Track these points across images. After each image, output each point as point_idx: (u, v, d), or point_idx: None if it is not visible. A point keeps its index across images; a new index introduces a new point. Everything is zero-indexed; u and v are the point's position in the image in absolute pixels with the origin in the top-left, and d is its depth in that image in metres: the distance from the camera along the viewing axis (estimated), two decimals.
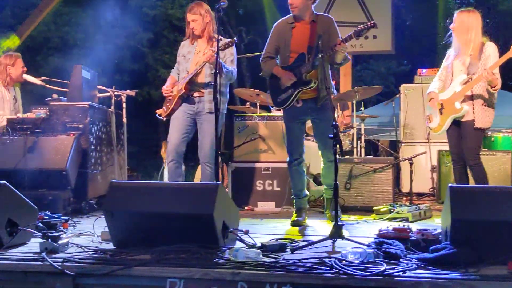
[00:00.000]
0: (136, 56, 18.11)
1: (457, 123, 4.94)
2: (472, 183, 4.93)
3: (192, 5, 5.25)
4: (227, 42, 4.96)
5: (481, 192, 3.28)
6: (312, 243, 3.58)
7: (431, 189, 7.28)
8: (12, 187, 3.70)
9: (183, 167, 5.40)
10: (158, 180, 8.69)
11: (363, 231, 4.36)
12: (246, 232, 3.69)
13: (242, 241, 3.54)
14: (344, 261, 2.97)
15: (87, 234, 3.98)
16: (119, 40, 16.76)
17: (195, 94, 5.23)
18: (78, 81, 5.84)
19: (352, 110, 7.25)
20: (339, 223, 3.66)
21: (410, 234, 3.45)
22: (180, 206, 3.40)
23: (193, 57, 5.27)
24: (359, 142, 7.39)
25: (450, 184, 3.30)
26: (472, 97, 4.82)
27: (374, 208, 5.37)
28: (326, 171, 4.98)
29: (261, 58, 4.97)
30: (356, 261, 2.98)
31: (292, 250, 3.41)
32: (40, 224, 3.92)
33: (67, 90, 5.96)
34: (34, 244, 3.56)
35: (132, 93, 6.56)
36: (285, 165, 5.12)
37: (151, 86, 18.34)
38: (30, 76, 6.26)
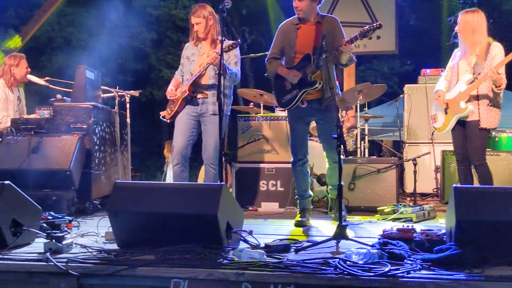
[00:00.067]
0: (139, 56, 18.13)
1: (462, 124, 4.93)
2: (476, 184, 4.92)
3: (196, 7, 5.24)
4: (230, 44, 4.96)
5: (486, 193, 3.27)
6: (316, 243, 3.58)
7: (435, 190, 7.26)
8: (16, 188, 3.71)
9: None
10: (161, 181, 8.69)
11: (367, 232, 4.35)
12: (250, 233, 3.69)
13: (246, 241, 3.54)
14: (348, 262, 2.97)
15: (91, 235, 4.00)
16: (123, 40, 16.77)
17: (199, 96, 5.22)
18: (82, 82, 5.85)
19: (356, 111, 7.23)
20: (343, 223, 3.66)
21: (414, 234, 3.44)
22: (184, 207, 3.40)
23: (197, 59, 5.26)
24: (362, 142, 7.39)
25: (454, 185, 3.29)
26: (477, 97, 4.81)
27: (378, 208, 5.36)
28: (331, 171, 4.98)
29: (266, 59, 4.98)
30: (361, 262, 2.98)
31: (296, 251, 3.41)
32: (44, 225, 3.93)
33: (71, 90, 5.97)
34: (38, 244, 3.57)
35: (135, 93, 6.57)
36: (289, 165, 5.12)
37: (154, 87, 18.36)
38: (34, 77, 6.28)
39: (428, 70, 7.95)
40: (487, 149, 5.19)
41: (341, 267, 2.85)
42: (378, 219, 5.10)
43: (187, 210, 3.39)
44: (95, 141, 5.71)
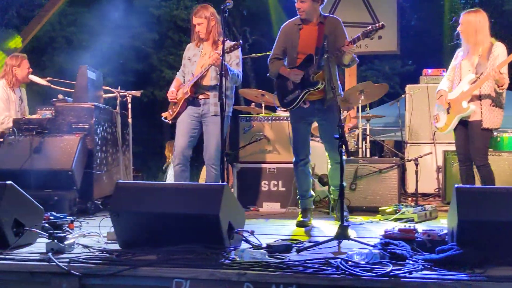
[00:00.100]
0: (140, 57, 18.15)
1: (464, 124, 4.93)
2: (478, 184, 4.92)
3: (198, 8, 5.25)
4: (232, 45, 4.96)
5: (488, 193, 3.26)
6: (318, 243, 3.57)
7: (437, 190, 7.26)
8: (18, 188, 3.71)
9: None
10: (163, 181, 8.69)
11: (368, 232, 4.35)
12: (252, 233, 3.69)
13: (247, 241, 3.54)
14: (350, 262, 2.97)
15: (93, 235, 4.00)
16: (124, 41, 16.78)
17: (201, 97, 5.22)
18: (83, 82, 5.85)
19: (358, 111, 7.23)
20: (345, 223, 3.66)
21: (416, 235, 3.44)
22: (186, 207, 3.40)
23: (198, 60, 5.26)
24: (364, 142, 7.38)
25: (456, 185, 3.29)
26: (480, 97, 4.81)
27: (379, 208, 5.36)
28: (333, 172, 4.98)
29: (268, 59, 4.99)
30: (362, 262, 2.98)
31: (298, 251, 3.41)
32: (46, 225, 3.92)
33: (73, 90, 5.98)
34: (40, 244, 3.57)
35: (137, 93, 6.57)
36: (290, 165, 5.12)
37: (155, 87, 18.38)
38: (35, 77, 6.29)
39: (429, 70, 7.95)
40: (489, 149, 5.19)
41: (343, 267, 2.85)
42: (379, 219, 5.10)
43: (189, 210, 3.39)
44: (97, 141, 5.71)
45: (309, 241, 3.76)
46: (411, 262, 3.00)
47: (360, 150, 7.25)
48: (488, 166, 4.80)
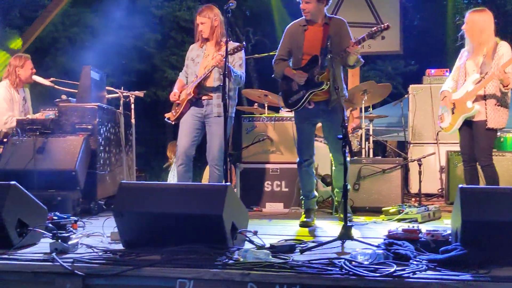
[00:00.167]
0: (143, 57, 18.16)
1: (469, 124, 4.92)
2: (482, 184, 4.91)
3: (202, 8, 5.25)
4: (235, 47, 4.96)
5: (492, 193, 3.26)
6: (321, 244, 3.57)
7: (440, 190, 7.25)
8: (22, 188, 3.72)
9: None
10: (165, 181, 8.69)
11: (372, 232, 4.34)
12: (255, 233, 3.68)
13: (251, 242, 3.54)
14: (353, 262, 2.96)
15: (96, 235, 4.00)
16: (127, 41, 16.80)
17: (204, 97, 5.22)
18: (87, 82, 5.86)
19: (361, 111, 7.22)
20: (348, 224, 3.66)
21: (420, 235, 3.43)
22: (190, 207, 3.40)
23: (201, 60, 5.26)
24: (367, 142, 7.38)
25: (460, 185, 3.28)
26: (485, 97, 4.80)
27: (383, 209, 5.35)
28: (337, 174, 4.98)
29: (273, 61, 4.99)
30: (366, 262, 2.97)
31: (301, 251, 3.41)
32: (50, 225, 3.93)
33: (76, 91, 5.99)
34: (44, 244, 3.57)
35: (140, 94, 6.58)
36: (293, 166, 5.12)
37: (158, 87, 18.38)
38: (39, 77, 6.30)
39: (432, 71, 7.94)
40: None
41: (347, 268, 2.84)
42: (383, 220, 5.10)
43: (192, 210, 3.39)
44: (100, 142, 5.72)
45: (313, 242, 3.76)
46: (415, 262, 3.00)
47: (363, 151, 7.24)
48: (493, 166, 4.79)
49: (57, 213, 4.28)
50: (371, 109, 7.71)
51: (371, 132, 7.42)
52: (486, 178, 4.83)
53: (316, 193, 5.10)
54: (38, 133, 5.50)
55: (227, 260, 3.08)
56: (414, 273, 2.80)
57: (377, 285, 2.74)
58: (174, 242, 3.30)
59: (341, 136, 3.82)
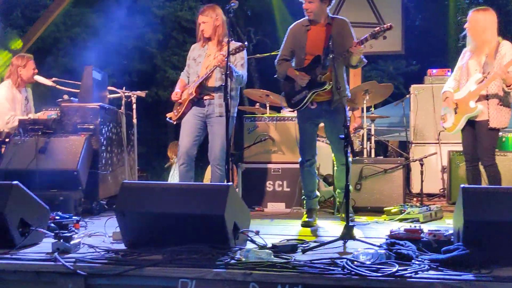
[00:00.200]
0: (144, 57, 18.17)
1: (471, 124, 4.91)
2: (484, 184, 4.90)
3: (205, 7, 5.25)
4: (237, 47, 4.97)
5: (494, 193, 3.25)
6: (323, 244, 3.57)
7: (442, 190, 7.24)
8: (24, 188, 3.73)
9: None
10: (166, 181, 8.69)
11: (374, 232, 4.34)
12: (257, 233, 3.69)
13: (253, 241, 3.54)
14: (356, 262, 2.96)
15: (98, 235, 4.00)
16: (128, 41, 16.81)
17: (206, 97, 5.22)
18: (89, 82, 5.87)
19: (362, 111, 7.22)
20: (350, 223, 3.66)
21: (422, 235, 3.43)
22: (192, 207, 3.41)
23: (203, 60, 5.26)
24: (368, 142, 7.37)
25: (462, 185, 3.28)
26: (487, 97, 4.79)
27: (384, 209, 5.35)
28: (339, 174, 4.98)
29: (276, 61, 4.99)
30: (368, 262, 2.97)
31: (303, 251, 3.41)
32: (52, 225, 3.94)
33: (78, 91, 5.99)
34: (46, 244, 3.58)
35: (142, 94, 6.58)
36: (295, 166, 5.11)
37: (159, 87, 18.40)
38: (41, 77, 6.30)
39: (434, 70, 7.94)
40: None
41: (349, 268, 2.84)
42: (385, 220, 5.10)
43: (194, 210, 3.40)
44: (102, 142, 5.72)
45: (315, 241, 3.76)
46: (417, 262, 3.00)
47: (365, 151, 7.24)
48: (496, 166, 4.78)
49: (59, 213, 4.29)
50: (372, 109, 7.71)
51: (372, 132, 7.42)
52: (488, 178, 4.82)
53: (318, 193, 5.10)
54: (40, 133, 5.51)
55: (229, 260, 3.08)
56: (416, 273, 2.81)
57: (380, 285, 2.74)
58: (176, 242, 3.30)
59: (343, 136, 3.82)
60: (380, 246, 3.32)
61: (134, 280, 3.03)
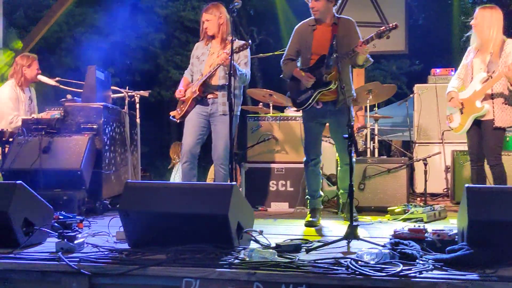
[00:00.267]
0: (147, 57, 18.19)
1: (477, 123, 4.90)
2: (489, 184, 4.89)
3: (209, 5, 5.26)
4: (241, 45, 4.97)
5: (499, 193, 3.24)
6: (327, 243, 3.57)
7: (445, 190, 7.23)
8: (28, 187, 3.73)
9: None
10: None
11: (377, 232, 4.34)
12: (260, 233, 3.69)
13: (257, 241, 3.54)
14: (360, 262, 2.95)
15: (102, 234, 4.00)
16: (131, 41, 16.83)
17: (209, 96, 5.23)
18: (92, 82, 5.87)
19: (366, 111, 7.22)
20: (354, 223, 3.65)
21: (426, 234, 3.42)
22: (195, 207, 3.40)
23: (207, 58, 5.26)
24: (372, 142, 7.37)
25: (466, 185, 3.27)
26: (492, 96, 4.78)
27: (388, 208, 5.35)
28: (343, 174, 4.97)
29: (281, 60, 5.00)
30: (372, 262, 2.96)
31: (307, 251, 3.40)
32: (56, 224, 3.94)
33: (81, 90, 5.99)
34: (50, 244, 3.58)
35: (145, 93, 6.58)
36: (299, 165, 5.11)
37: (162, 87, 18.42)
38: (44, 77, 6.31)
39: (438, 70, 7.93)
40: None
41: (353, 267, 2.84)
42: (388, 219, 5.09)
43: (198, 210, 3.39)
44: (105, 141, 5.72)
45: (318, 241, 3.75)
46: (421, 262, 2.98)
47: (368, 150, 7.24)
48: (502, 166, 4.77)
49: (63, 213, 4.29)
50: (376, 109, 7.70)
51: (376, 132, 7.41)
52: (494, 177, 4.81)
53: (321, 193, 5.09)
54: (43, 133, 5.51)
55: (233, 259, 3.08)
56: (420, 272, 2.79)
57: (384, 285, 2.73)
58: (179, 242, 3.30)
59: (346, 135, 3.82)
60: (384, 246, 3.31)
61: (138, 279, 3.03)
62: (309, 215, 4.92)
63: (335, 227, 4.74)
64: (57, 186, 5.20)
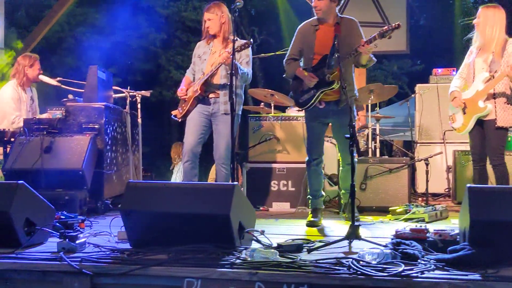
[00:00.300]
0: (148, 57, 18.20)
1: (480, 123, 4.89)
2: (490, 184, 4.89)
3: (210, 4, 5.26)
4: (243, 44, 4.97)
5: (500, 193, 3.23)
6: (329, 243, 3.56)
7: (447, 190, 7.23)
8: (29, 187, 3.73)
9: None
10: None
11: (379, 232, 4.34)
12: (262, 232, 3.69)
13: (258, 241, 3.54)
14: (361, 262, 2.95)
15: (103, 234, 4.00)
16: (132, 41, 16.83)
17: (211, 95, 5.23)
18: (93, 82, 5.87)
19: (367, 110, 7.21)
20: (355, 223, 3.65)
21: (428, 234, 3.42)
22: (197, 206, 3.40)
23: (208, 57, 5.27)
24: (373, 142, 7.37)
25: (468, 185, 3.26)
26: (494, 95, 4.78)
27: (390, 208, 5.34)
28: (344, 174, 4.97)
29: (284, 60, 5.00)
30: (374, 262, 2.96)
31: (309, 251, 3.40)
32: (57, 224, 3.94)
33: (83, 90, 6.00)
34: (52, 243, 3.58)
35: (147, 93, 6.59)
36: (300, 165, 5.11)
37: (163, 87, 18.42)
38: (46, 77, 6.31)
39: (439, 70, 7.93)
40: None
41: (355, 267, 2.83)
42: (390, 219, 5.09)
43: (200, 210, 3.39)
44: (107, 141, 5.73)
45: (320, 241, 3.75)
46: (423, 262, 2.98)
47: (369, 150, 7.23)
48: (504, 166, 4.76)
49: (64, 212, 4.29)
50: (377, 108, 7.70)
51: (377, 132, 7.41)
52: (497, 177, 4.80)
53: (323, 193, 5.09)
54: (45, 133, 5.51)
55: (234, 259, 3.08)
56: (422, 272, 2.79)
57: (385, 285, 2.73)
58: (181, 242, 3.30)
59: (348, 135, 3.82)
60: (385, 246, 3.31)
61: (139, 279, 3.03)
62: (311, 215, 4.92)
63: (336, 227, 4.74)
64: (58, 186, 5.20)
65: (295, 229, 4.61)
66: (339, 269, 2.88)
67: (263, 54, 7.72)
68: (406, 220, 4.92)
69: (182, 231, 3.42)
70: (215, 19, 5.20)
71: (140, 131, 6.65)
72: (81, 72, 7.77)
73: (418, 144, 7.72)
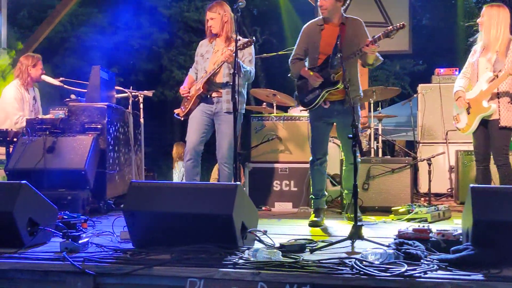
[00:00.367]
0: (151, 57, 18.20)
1: (484, 123, 4.88)
2: (493, 185, 4.88)
3: (213, 4, 5.27)
4: (245, 42, 4.97)
5: (503, 193, 3.22)
6: (331, 243, 3.56)
7: (449, 190, 7.22)
8: (32, 187, 3.74)
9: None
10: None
11: (382, 232, 4.33)
12: (264, 232, 3.69)
13: (261, 241, 3.54)
14: (364, 262, 2.95)
15: (106, 234, 4.01)
16: (135, 41, 16.85)
17: (213, 94, 5.23)
18: (96, 82, 5.87)
19: (369, 110, 7.21)
20: (358, 223, 3.65)
21: (430, 234, 3.42)
22: (200, 207, 3.40)
23: (211, 56, 5.27)
24: (375, 142, 7.36)
25: (471, 185, 3.26)
26: (498, 95, 4.77)
27: (392, 208, 5.34)
28: (347, 174, 4.97)
29: (289, 60, 5.00)
30: (377, 262, 2.96)
31: (312, 251, 3.40)
32: (60, 224, 3.95)
33: (85, 90, 6.00)
34: (55, 243, 3.59)
35: (149, 93, 6.59)
36: (302, 165, 5.10)
37: (165, 87, 18.41)
38: (48, 77, 6.32)
39: (442, 70, 7.92)
40: None
41: (358, 267, 2.84)
42: (392, 219, 5.08)
43: (203, 210, 3.39)
44: (109, 141, 5.73)
45: (323, 241, 3.75)
46: (425, 262, 2.99)
47: (372, 150, 7.23)
48: (509, 166, 4.75)
49: (67, 212, 4.29)
50: (380, 108, 7.70)
51: (380, 132, 7.41)
52: (501, 177, 4.79)
53: (326, 193, 5.09)
54: (48, 133, 5.52)
55: (237, 259, 3.08)
56: (425, 272, 2.80)
57: (388, 285, 2.73)
58: (184, 242, 3.30)
59: (351, 135, 3.82)
60: (388, 246, 3.31)
61: (142, 279, 3.03)
62: (313, 215, 4.92)
63: (339, 227, 4.74)
64: (61, 186, 5.21)
65: (297, 229, 4.61)
66: (342, 269, 2.89)
67: (265, 54, 7.72)
68: (409, 220, 4.92)
69: (185, 231, 3.42)
70: (217, 18, 5.20)
71: (143, 131, 6.66)
72: (83, 72, 7.76)
73: (420, 144, 7.72)
